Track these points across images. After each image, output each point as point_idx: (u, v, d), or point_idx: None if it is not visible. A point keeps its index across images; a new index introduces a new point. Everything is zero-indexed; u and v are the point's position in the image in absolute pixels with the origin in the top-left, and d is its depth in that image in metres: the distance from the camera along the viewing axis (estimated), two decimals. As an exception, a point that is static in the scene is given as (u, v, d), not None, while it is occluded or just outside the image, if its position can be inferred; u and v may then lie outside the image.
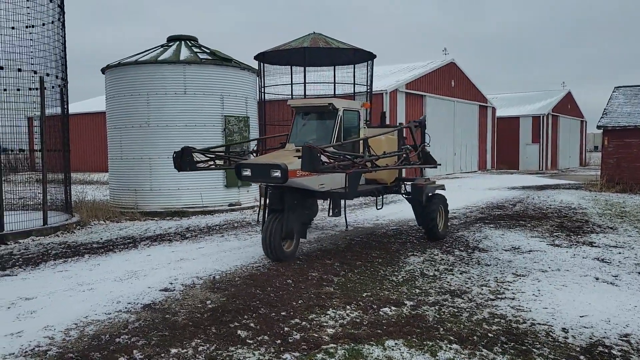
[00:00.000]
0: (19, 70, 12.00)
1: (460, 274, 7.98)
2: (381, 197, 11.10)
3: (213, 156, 10.18)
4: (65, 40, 13.76)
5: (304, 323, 5.80)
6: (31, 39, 13.35)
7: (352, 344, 5.13)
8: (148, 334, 5.48)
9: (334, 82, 23.22)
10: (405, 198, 11.01)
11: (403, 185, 11.15)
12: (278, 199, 8.71)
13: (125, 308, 6.35)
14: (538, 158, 45.72)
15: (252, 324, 5.76)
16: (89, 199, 15.91)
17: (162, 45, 16.60)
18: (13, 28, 13.20)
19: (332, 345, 5.13)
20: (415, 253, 9.49)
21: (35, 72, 12.37)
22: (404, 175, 12.49)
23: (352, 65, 22.68)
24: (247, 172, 8.40)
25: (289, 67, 22.83)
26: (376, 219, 14.13)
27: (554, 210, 15.48)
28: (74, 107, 34.14)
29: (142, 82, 15.32)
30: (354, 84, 21.89)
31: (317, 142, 8.75)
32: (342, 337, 5.34)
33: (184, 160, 9.44)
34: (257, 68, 20.14)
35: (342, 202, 9.90)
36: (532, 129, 45.86)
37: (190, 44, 16.51)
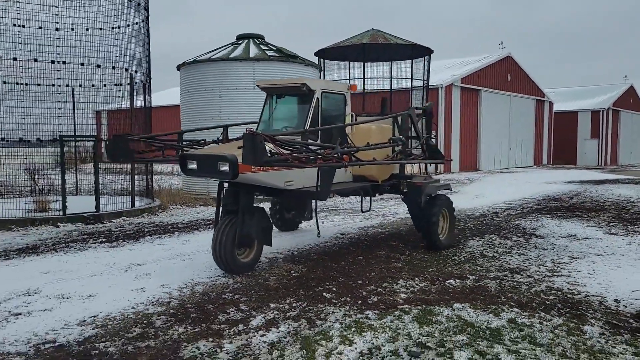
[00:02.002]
0: (113, 67, 13.38)
1: (519, 255, 8.61)
2: (369, 197, 9.53)
3: (162, 145, 8.39)
4: (149, 40, 15.08)
5: (379, 289, 6.65)
6: (116, 39, 14.78)
7: (424, 305, 5.94)
8: (247, 293, 6.46)
9: (391, 77, 23.83)
10: (402, 199, 9.46)
11: (403, 184, 9.39)
12: (233, 197, 7.32)
13: (223, 274, 7.37)
14: (597, 153, 44.73)
15: (334, 289, 6.65)
16: (165, 186, 17.30)
17: (232, 44, 17.75)
18: (101, 29, 14.64)
19: (407, 306, 5.95)
20: (474, 238, 10.15)
21: (126, 70, 13.71)
22: (413, 171, 11.09)
23: (409, 61, 23.23)
24: (193, 165, 6.98)
25: (347, 62, 23.63)
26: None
27: (611, 203, 15.66)
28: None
29: (214, 78, 16.51)
30: (412, 78, 22.43)
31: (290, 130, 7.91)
32: (414, 301, 6.16)
33: (118, 149, 7.69)
34: (317, 64, 21.05)
35: (314, 203, 8.65)
36: (591, 123, 44.87)
37: (257, 42, 17.58)
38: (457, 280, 7.04)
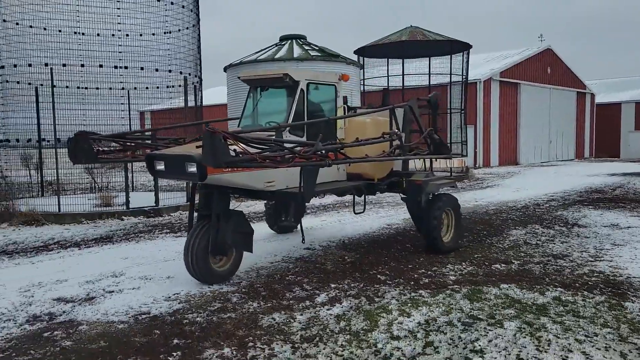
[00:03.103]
0: (169, 71, 14.25)
1: (561, 243, 8.97)
2: (363, 197, 8.59)
3: (132, 144, 7.53)
4: (200, 43, 15.91)
5: (429, 272, 7.18)
6: (168, 43, 15.68)
7: (473, 286, 6.44)
8: (308, 275, 7.09)
9: (429, 73, 24.13)
10: (402, 199, 8.67)
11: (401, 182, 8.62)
12: (207, 200, 6.72)
13: (283, 259, 8.03)
14: (641, 146, 43.69)
15: (386, 272, 7.21)
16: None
17: (275, 44, 18.48)
18: (153, 34, 15.56)
19: (456, 286, 6.47)
20: (517, 227, 10.53)
21: (181, 73, 14.58)
22: (425, 168, 10.32)
23: (447, 56, 23.49)
24: (161, 166, 6.46)
25: (386, 59, 24.07)
26: (475, 200, 15.11)
27: (655, 195, 15.68)
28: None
29: (260, 78, 17.24)
30: (450, 74, 22.71)
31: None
32: (463, 282, 6.67)
33: (79, 149, 6.88)
34: (357, 61, 21.58)
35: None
36: (635, 115, 43.85)
37: (300, 42, 18.26)
38: (503, 265, 7.50)
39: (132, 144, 7.41)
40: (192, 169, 5.88)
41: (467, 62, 23.19)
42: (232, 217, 6.69)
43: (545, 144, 36.56)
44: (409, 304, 5.73)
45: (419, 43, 21.78)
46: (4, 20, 13.82)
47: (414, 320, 5.22)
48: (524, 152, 34.16)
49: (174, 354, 4.51)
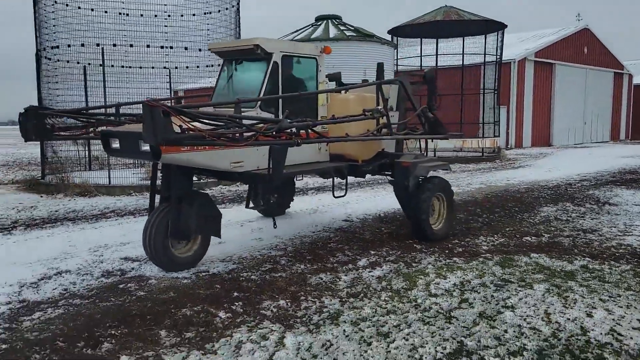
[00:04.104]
0: (199, 50, 14.81)
1: (592, 219, 9.27)
2: (345, 180, 8.05)
3: (94, 120, 6.98)
4: (239, 24, 16.41)
5: (462, 243, 7.63)
6: (208, 24, 16.23)
7: (504, 255, 6.87)
8: (348, 243, 7.61)
9: (463, 53, 24.17)
10: (389, 181, 8.15)
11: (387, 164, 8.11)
12: (168, 181, 6.34)
13: (323, 229, 8.57)
14: (680, 128, 42.67)
15: (422, 242, 7.68)
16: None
17: (311, 25, 18.84)
18: (194, 15, 16.12)
19: (489, 254, 6.91)
20: (548, 205, 10.83)
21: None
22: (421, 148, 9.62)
23: (481, 36, 23.48)
24: (116, 144, 6.15)
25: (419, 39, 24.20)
26: (507, 180, 15.37)
27: (690, 176, 15.65)
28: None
29: (296, 58, 17.67)
30: (484, 54, 22.72)
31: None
32: (495, 251, 7.10)
33: (30, 125, 6.37)
34: (391, 41, 21.79)
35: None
36: (675, 97, 42.74)
37: (336, 22, 18.58)
38: (533, 238, 7.88)
39: (94, 120, 6.74)
40: (145, 147, 5.48)
41: (502, 41, 23.16)
42: (196, 200, 6.25)
43: (580, 125, 36.10)
44: (445, 269, 6.21)
45: (454, 23, 21.89)
46: (56, 2, 14.53)
47: (449, 281, 5.70)
48: (558, 134, 33.85)
49: (236, 303, 5.10)
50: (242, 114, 6.08)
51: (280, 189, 9.01)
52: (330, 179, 8.37)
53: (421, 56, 23.98)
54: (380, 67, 8.75)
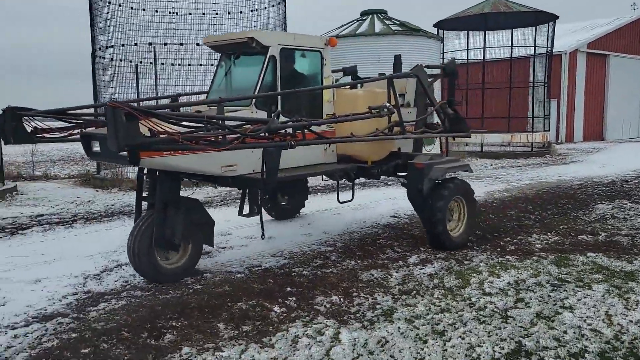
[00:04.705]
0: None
1: (651, 217, 8.94)
2: (352, 183, 7.76)
3: (82, 121, 6.14)
4: (285, 20, 16.53)
5: (514, 241, 7.49)
6: (255, 21, 16.42)
7: (559, 253, 6.71)
8: (397, 240, 7.59)
9: (511, 45, 23.57)
10: (402, 184, 7.49)
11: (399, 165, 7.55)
12: (154, 186, 5.96)
13: (372, 225, 8.57)
14: None
15: (472, 239, 7.58)
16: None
17: (356, 20, 18.79)
18: (241, 12, 16.34)
19: (543, 253, 6.76)
20: (603, 202, 10.48)
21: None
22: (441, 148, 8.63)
23: (531, 27, 22.83)
24: (97, 147, 5.83)
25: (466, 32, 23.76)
26: (558, 175, 14.94)
27: None
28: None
29: (341, 54, 17.65)
30: (535, 46, 22.11)
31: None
32: (549, 250, 6.94)
33: (9, 128, 5.71)
34: (437, 34, 21.48)
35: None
36: None
37: (381, 17, 18.45)
38: (589, 236, 7.66)
39: (82, 121, 6.04)
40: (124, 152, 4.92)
41: (553, 33, 22.47)
42: (184, 206, 5.76)
43: (635, 119, 34.64)
44: (498, 267, 6.12)
45: (502, 14, 21.37)
46: (110, 3, 15.01)
47: (503, 280, 5.61)
48: (611, 127, 32.59)
49: (290, 298, 5.19)
50: (235, 113, 5.81)
51: (291, 191, 8.77)
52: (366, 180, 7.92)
53: (468, 49, 23.54)
54: (397, 60, 8.12)
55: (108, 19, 15.02)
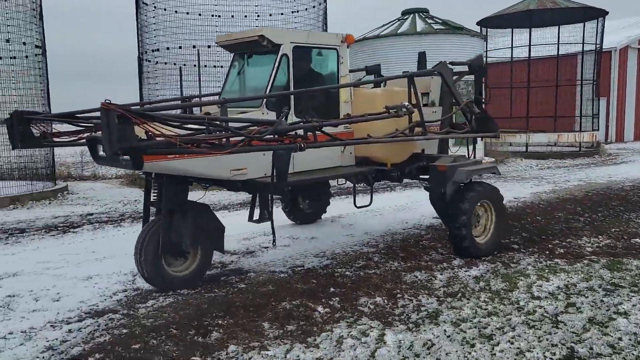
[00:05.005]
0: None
1: None
2: (371, 187, 7.35)
3: (92, 124, 5.80)
4: (326, 21, 16.56)
5: (563, 243, 7.27)
6: (296, 22, 16.51)
7: (612, 257, 6.47)
8: (440, 241, 7.47)
9: (558, 42, 22.91)
10: (425, 188, 7.19)
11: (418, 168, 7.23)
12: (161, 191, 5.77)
13: (414, 226, 8.48)
14: None
15: (519, 242, 7.40)
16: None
17: (397, 19, 18.63)
18: (282, 14, 16.46)
19: (594, 256, 6.53)
20: (658, 204, 10.06)
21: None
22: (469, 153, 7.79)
23: (578, 24, 22.13)
24: (102, 152, 5.32)
25: (510, 29, 23.23)
26: (608, 176, 14.43)
27: None
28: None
29: (382, 54, 17.56)
30: (583, 42, 21.42)
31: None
32: (600, 254, 6.70)
33: (16, 132, 5.63)
34: (480, 32, 21.08)
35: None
36: None
37: (423, 16, 18.24)
38: (643, 239, 7.37)
39: (92, 124, 5.72)
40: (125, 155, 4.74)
41: (602, 29, 21.71)
42: (192, 212, 5.57)
43: (690, 118, 33.11)
44: (547, 270, 5.95)
45: (548, 11, 20.78)
46: (155, 7, 15.39)
47: (553, 284, 5.45)
48: (664, 127, 31.27)
49: (334, 299, 5.18)
50: (245, 114, 5.57)
51: (312, 195, 8.47)
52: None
53: (512, 47, 23.03)
54: (421, 57, 7.79)
55: (154, 23, 15.41)
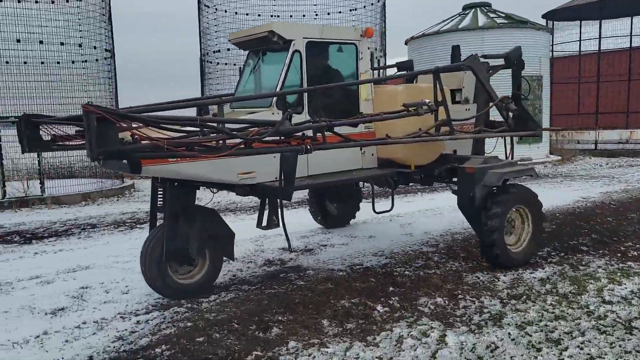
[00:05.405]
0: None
1: None
2: (392, 190, 6.95)
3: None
4: (385, 18, 16.44)
5: (637, 246, 6.88)
6: (354, 20, 16.49)
7: (692, 261, 6.07)
8: (504, 242, 7.25)
9: (630, 34, 21.75)
10: (453, 192, 6.81)
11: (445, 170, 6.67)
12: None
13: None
14: None
15: (588, 243, 7.07)
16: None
17: (458, 14, 18.22)
18: (340, 12, 16.47)
19: (672, 260, 6.15)
20: None
21: (368, 48, 15.28)
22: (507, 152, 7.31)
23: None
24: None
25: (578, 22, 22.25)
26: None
27: None
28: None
29: (442, 50, 17.20)
30: (658, 34, 20.18)
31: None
32: (679, 257, 6.30)
33: (25, 136, 5.26)
34: (546, 26, 20.31)
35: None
36: None
37: (485, 10, 17.74)
38: None
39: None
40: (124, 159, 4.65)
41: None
42: (198, 217, 5.35)
43: None
44: (619, 274, 5.66)
45: (620, 1, 19.73)
46: (216, 10, 15.78)
47: (625, 288, 5.18)
48: None
49: (393, 298, 5.14)
50: (254, 115, 5.32)
51: (340, 198, 8.16)
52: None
53: (580, 40, 22.06)
54: (454, 51, 7.25)
55: (215, 25, 15.81)
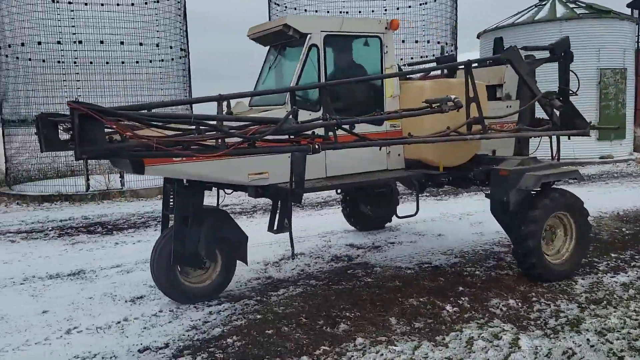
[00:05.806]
0: (428, 42, 14.82)
1: None
2: (417, 194, 6.39)
3: None
4: (456, 11, 16.05)
5: None
6: (424, 14, 16.19)
7: None
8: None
9: None
10: (485, 195, 6.06)
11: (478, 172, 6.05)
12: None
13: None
14: None
15: (677, 247, 6.61)
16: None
17: (535, 5, 17.52)
18: (409, 7, 16.20)
19: None
20: None
21: (438, 42, 15.01)
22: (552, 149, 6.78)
23: None
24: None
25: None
26: None
27: None
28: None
29: (517, 44, 16.57)
30: None
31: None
32: None
33: (42, 135, 4.50)
34: (631, 15, 19.10)
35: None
36: None
37: (564, 0, 16.93)
38: None
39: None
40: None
41: None
42: (208, 219, 5.13)
43: None
44: None
45: None
46: (286, 7, 15.98)
47: None
48: None
49: (463, 298, 5.02)
50: (267, 113, 5.08)
51: (375, 200, 7.81)
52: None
53: (670, 29, 20.53)
54: (496, 44, 6.72)
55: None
